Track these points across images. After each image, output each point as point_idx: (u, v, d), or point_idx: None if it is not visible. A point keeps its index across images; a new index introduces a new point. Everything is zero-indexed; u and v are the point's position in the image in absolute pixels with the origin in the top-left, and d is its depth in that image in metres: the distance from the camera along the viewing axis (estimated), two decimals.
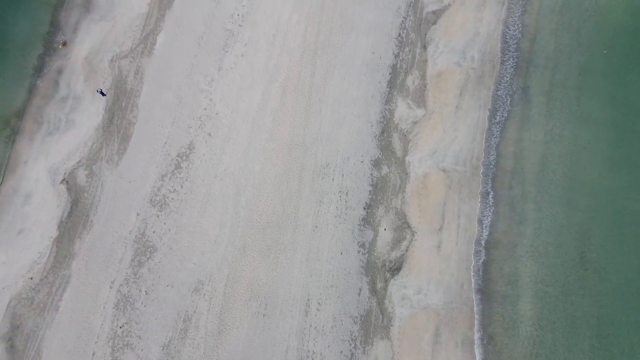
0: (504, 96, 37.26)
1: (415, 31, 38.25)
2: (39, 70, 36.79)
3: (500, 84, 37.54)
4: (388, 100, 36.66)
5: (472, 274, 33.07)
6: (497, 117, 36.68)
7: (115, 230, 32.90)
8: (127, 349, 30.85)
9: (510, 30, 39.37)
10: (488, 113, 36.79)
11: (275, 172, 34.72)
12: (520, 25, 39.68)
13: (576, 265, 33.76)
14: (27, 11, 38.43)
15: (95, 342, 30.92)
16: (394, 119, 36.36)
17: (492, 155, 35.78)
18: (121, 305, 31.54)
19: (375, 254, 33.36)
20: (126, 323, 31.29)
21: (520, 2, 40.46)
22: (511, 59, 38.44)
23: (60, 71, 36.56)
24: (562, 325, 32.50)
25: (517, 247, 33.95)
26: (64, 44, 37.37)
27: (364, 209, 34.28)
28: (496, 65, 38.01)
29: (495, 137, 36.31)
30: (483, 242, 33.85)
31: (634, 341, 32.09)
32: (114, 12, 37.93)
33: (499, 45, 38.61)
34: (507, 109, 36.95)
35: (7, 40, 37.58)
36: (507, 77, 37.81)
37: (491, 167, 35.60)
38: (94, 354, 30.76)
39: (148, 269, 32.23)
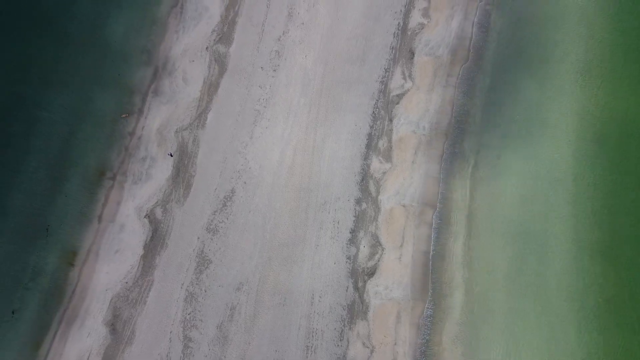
0: (445, 155, 54.05)
1: (385, 109, 55.18)
2: (124, 138, 53.00)
3: (443, 146, 54.35)
4: (366, 157, 53.23)
5: (422, 277, 49.23)
6: (440, 170, 53.34)
7: (183, 249, 48.73)
8: (193, 328, 46.34)
9: (451, 106, 56.42)
10: (435, 167, 53.49)
11: (289, 208, 50.83)
12: (458, 102, 56.70)
13: (493, 272, 49.93)
14: (113, 95, 54.52)
15: (172, 325, 46.36)
16: (370, 170, 52.83)
17: (436, 196, 52.32)
18: (188, 299, 47.13)
19: (358, 263, 49.40)
20: (192, 311, 46.83)
21: (459, 86, 57.61)
22: (451, 128, 55.34)
23: (139, 139, 52.85)
24: (482, 312, 48.46)
25: (453, 259, 50.18)
26: (127, 116, 53.54)
27: (350, 232, 50.42)
28: (440, 133, 54.92)
29: (439, 183, 52.87)
30: (430, 256, 50.10)
31: (532, 326, 48.11)
32: (176, 97, 54.32)
33: (443, 118, 55.62)
34: (447, 164, 53.66)
35: (99, 116, 53.58)
36: (448, 142, 54.64)
37: (435, 204, 52.09)
38: (171, 332, 46.16)
39: (206, 275, 48.00)
